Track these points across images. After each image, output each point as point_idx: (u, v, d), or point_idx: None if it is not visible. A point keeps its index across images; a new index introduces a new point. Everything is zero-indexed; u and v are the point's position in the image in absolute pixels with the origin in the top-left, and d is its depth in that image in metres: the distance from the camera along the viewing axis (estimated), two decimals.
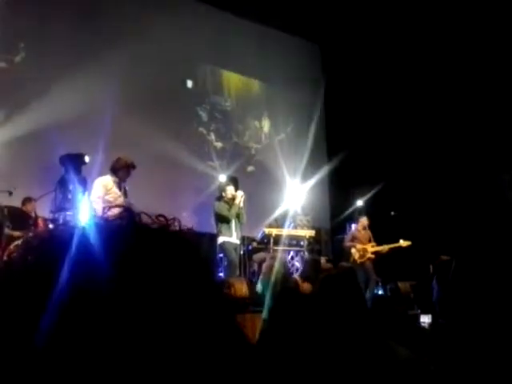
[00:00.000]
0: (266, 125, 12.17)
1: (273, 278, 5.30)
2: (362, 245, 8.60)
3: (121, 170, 6.28)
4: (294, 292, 3.04)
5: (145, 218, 0.65)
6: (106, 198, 6.02)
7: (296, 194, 10.66)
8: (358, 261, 8.44)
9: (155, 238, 0.61)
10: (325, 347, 1.75)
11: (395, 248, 8.62)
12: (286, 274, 6.07)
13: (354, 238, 8.80)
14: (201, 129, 11.14)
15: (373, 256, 8.57)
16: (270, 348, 2.34)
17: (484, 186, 8.74)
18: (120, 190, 6.27)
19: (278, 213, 9.75)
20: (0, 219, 6.88)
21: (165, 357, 0.52)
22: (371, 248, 8.61)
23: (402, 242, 8.58)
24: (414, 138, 10.23)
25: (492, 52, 9.22)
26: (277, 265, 5.53)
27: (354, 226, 10.14)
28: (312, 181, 11.41)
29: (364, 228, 8.81)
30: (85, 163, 7.52)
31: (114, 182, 6.24)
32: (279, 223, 9.13)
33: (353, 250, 8.57)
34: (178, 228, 0.65)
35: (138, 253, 0.57)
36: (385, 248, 8.63)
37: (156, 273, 0.56)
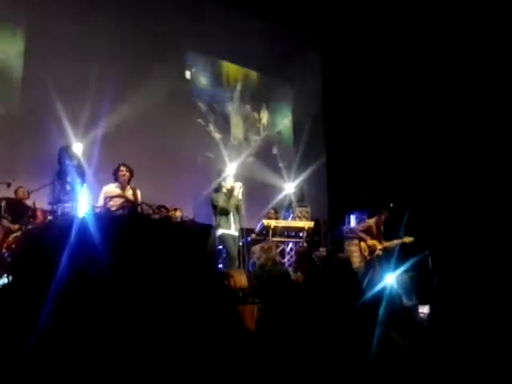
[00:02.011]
0: (264, 116, 12.15)
1: (264, 268, 5.31)
2: (371, 240, 8.49)
3: (115, 175, 6.70)
4: (286, 281, 3.05)
5: (146, 209, 0.66)
6: (110, 203, 6.28)
7: (294, 186, 10.68)
8: (368, 257, 8.38)
9: (156, 228, 0.61)
10: (321, 336, 1.76)
11: (399, 244, 8.52)
12: (277, 264, 6.07)
13: (367, 229, 8.62)
14: (199, 120, 11.11)
15: (380, 252, 8.47)
16: (267, 337, 2.35)
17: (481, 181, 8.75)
18: (125, 193, 6.54)
19: (275, 203, 9.78)
20: None
21: (165, 345, 0.53)
22: (380, 244, 8.51)
23: (406, 239, 8.47)
24: (413, 128, 10.22)
25: (492, 50, 9.20)
26: (268, 255, 5.54)
27: (352, 217, 10.16)
28: (311, 172, 11.42)
29: (380, 223, 8.62)
30: (72, 154, 7.66)
31: (117, 187, 6.57)
32: (278, 213, 9.15)
33: (363, 245, 8.48)
34: (179, 219, 0.65)
35: (138, 243, 0.57)
36: (392, 244, 8.51)
37: (157, 263, 0.56)
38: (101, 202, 6.42)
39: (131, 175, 6.75)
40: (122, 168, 6.74)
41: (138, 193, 6.66)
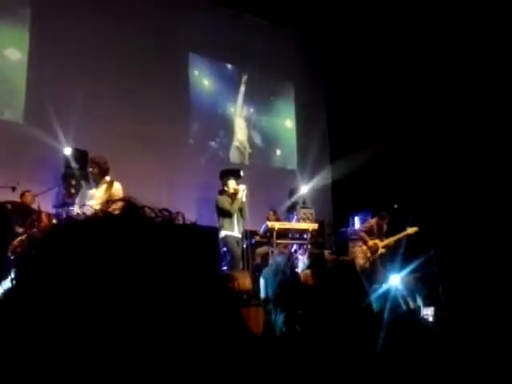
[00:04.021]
0: (269, 118, 12.16)
1: (276, 273, 5.30)
2: (372, 240, 8.45)
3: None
4: (295, 285, 3.06)
5: (148, 213, 0.66)
6: (113, 207, 5.94)
7: (300, 188, 10.67)
8: (371, 258, 8.34)
9: (159, 232, 0.61)
10: (328, 339, 1.76)
11: (404, 237, 8.35)
12: (290, 268, 6.07)
13: (369, 230, 8.60)
14: (202, 122, 11.12)
15: (384, 250, 8.40)
16: (274, 340, 2.35)
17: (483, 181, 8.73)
18: (97, 189, 5.99)
19: (283, 207, 9.79)
20: (6, 215, 6.92)
21: (170, 349, 0.53)
22: (381, 242, 8.45)
23: (410, 230, 8.32)
24: (417, 128, 10.20)
25: (493, 47, 9.18)
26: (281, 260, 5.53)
27: (357, 219, 10.13)
28: (315, 174, 11.41)
29: (382, 224, 8.58)
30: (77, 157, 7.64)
31: (93, 187, 6.14)
32: (276, 214, 9.16)
33: (364, 248, 8.44)
34: (181, 222, 0.65)
35: (142, 247, 0.57)
36: (395, 238, 8.43)
37: (161, 267, 0.56)
38: (92, 206, 5.95)
39: (100, 169, 6.01)
40: (90, 166, 6.12)
41: (116, 185, 5.94)
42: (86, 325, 0.52)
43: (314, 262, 5.77)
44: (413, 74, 10.28)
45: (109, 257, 0.56)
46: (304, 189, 10.68)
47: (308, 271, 5.41)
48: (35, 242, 0.61)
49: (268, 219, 8.70)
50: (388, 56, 10.72)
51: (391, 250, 8.40)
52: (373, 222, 8.76)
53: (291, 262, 6.11)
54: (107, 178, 5.97)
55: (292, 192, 10.61)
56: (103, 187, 5.86)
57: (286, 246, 8.19)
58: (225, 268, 7.04)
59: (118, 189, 5.87)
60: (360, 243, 8.84)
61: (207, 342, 0.56)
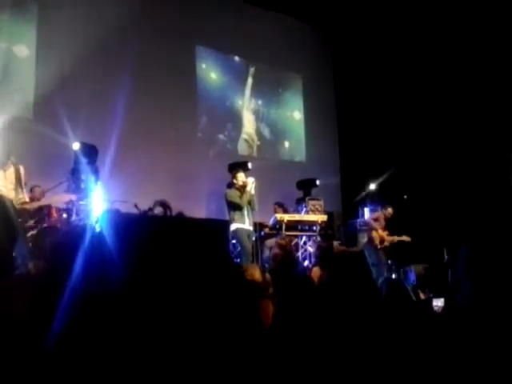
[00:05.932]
0: (277, 111, 12.13)
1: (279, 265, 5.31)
2: (382, 231, 8.68)
3: None
4: (304, 277, 3.06)
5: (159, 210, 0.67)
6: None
7: (308, 179, 10.67)
8: (379, 246, 8.51)
9: (171, 226, 0.62)
10: (335, 332, 1.77)
11: (399, 241, 8.74)
12: (294, 260, 6.08)
13: (377, 219, 8.80)
14: (211, 115, 11.11)
15: (388, 244, 8.63)
16: (282, 333, 2.36)
17: (492, 169, 8.69)
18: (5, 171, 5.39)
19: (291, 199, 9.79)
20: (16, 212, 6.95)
21: (185, 345, 0.54)
22: (387, 237, 8.68)
23: (404, 237, 8.73)
24: (426, 120, 10.14)
25: (500, 34, 9.09)
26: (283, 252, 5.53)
27: (366, 210, 10.13)
28: (324, 165, 11.39)
29: (387, 216, 8.82)
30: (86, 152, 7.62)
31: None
32: (285, 207, 9.18)
33: (374, 234, 8.62)
34: (195, 218, 0.66)
35: (155, 242, 0.58)
36: (393, 240, 8.71)
37: (174, 261, 0.57)
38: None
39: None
40: None
41: (22, 169, 5.40)
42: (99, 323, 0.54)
43: (322, 255, 5.77)
44: (422, 69, 10.22)
45: (123, 256, 0.57)
46: (313, 180, 10.66)
47: (316, 268, 5.42)
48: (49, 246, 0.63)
49: (275, 212, 8.72)
50: (398, 50, 10.65)
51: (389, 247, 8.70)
52: (380, 213, 8.94)
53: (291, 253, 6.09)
54: (13, 159, 5.41)
55: (301, 184, 10.62)
56: (11, 169, 5.32)
57: (291, 239, 8.18)
58: (235, 260, 7.07)
59: (23, 173, 5.45)
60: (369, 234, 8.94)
61: (223, 339, 0.57)
